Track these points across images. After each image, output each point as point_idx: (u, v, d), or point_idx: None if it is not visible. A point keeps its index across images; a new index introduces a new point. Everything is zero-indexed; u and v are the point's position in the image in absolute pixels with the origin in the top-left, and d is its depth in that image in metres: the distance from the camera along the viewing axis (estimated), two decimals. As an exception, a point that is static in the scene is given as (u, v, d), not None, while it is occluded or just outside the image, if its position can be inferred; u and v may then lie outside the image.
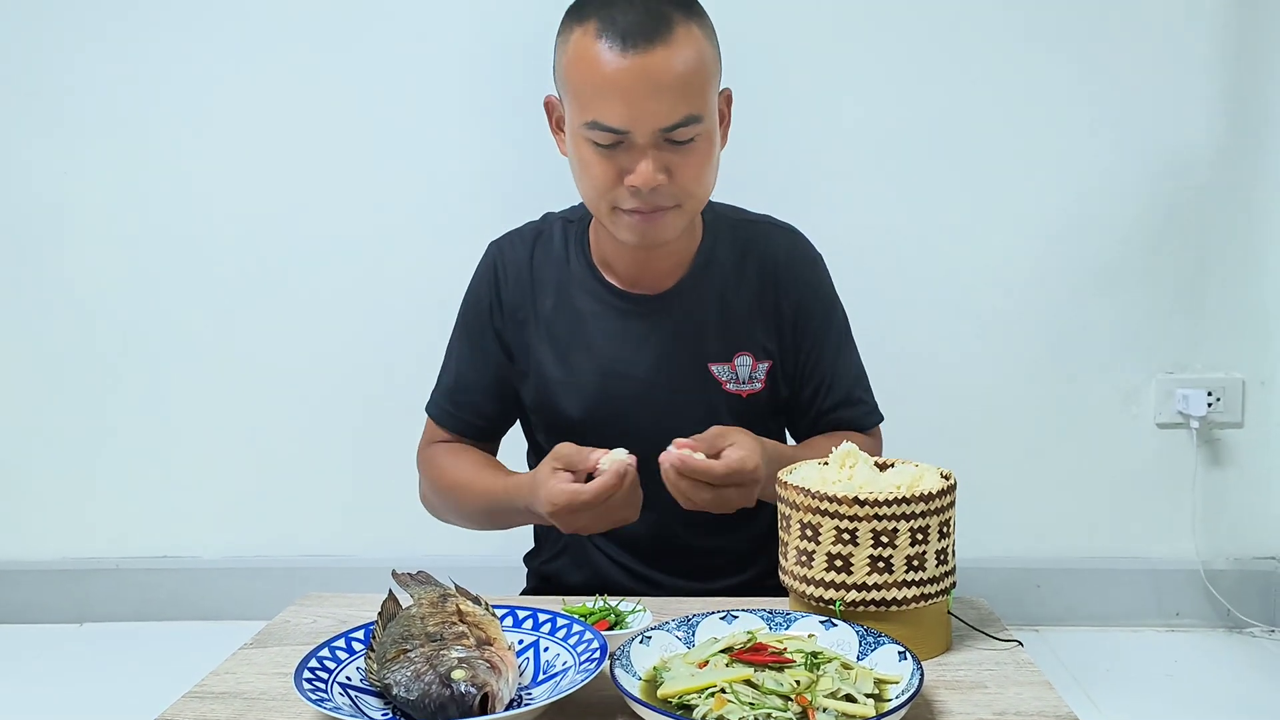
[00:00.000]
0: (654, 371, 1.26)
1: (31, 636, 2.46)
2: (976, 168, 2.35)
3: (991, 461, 2.39)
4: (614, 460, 1.06)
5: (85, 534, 2.54)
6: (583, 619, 0.97)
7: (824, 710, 0.76)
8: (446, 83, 2.38)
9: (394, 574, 1.00)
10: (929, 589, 0.91)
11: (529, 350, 1.30)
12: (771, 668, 0.80)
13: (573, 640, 0.89)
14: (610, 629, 0.95)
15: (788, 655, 0.82)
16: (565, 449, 1.10)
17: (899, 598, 0.90)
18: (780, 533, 0.97)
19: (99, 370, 2.49)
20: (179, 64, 2.41)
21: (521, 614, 0.94)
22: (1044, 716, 0.82)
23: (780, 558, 0.97)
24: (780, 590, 1.00)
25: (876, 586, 0.90)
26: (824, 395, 1.31)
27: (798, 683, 0.78)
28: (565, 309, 1.28)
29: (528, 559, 1.46)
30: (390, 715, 0.81)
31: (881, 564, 0.89)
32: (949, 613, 0.95)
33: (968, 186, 2.35)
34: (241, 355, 2.46)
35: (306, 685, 0.80)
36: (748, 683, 0.79)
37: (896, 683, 0.80)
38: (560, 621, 0.92)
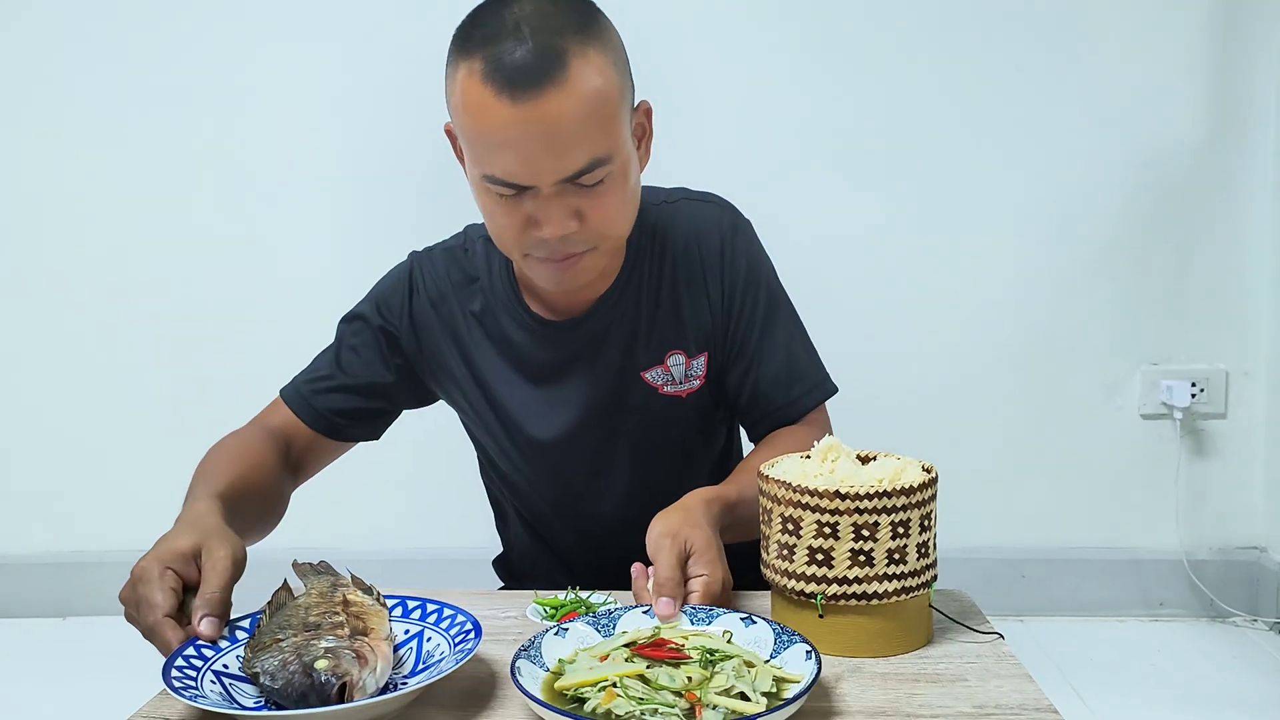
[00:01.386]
0: (591, 395, 1.20)
1: (14, 630, 2.45)
2: (959, 162, 2.35)
3: (976, 453, 2.40)
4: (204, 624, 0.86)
5: (68, 528, 2.53)
6: (552, 610, 0.97)
7: (713, 708, 0.76)
8: (434, 81, 2.37)
9: (294, 564, 0.99)
10: (910, 582, 0.91)
11: (448, 375, 1.24)
12: (668, 663, 0.81)
13: (454, 630, 0.90)
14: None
15: (685, 652, 0.82)
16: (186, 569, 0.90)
17: (880, 591, 0.90)
18: (761, 526, 0.97)
19: (80, 365, 2.49)
20: (156, 62, 2.40)
21: (411, 604, 0.94)
22: (1024, 709, 0.82)
23: (761, 551, 0.97)
24: (763, 585, 1.00)
25: (857, 580, 0.90)
26: (755, 376, 1.21)
27: (689, 679, 0.79)
28: (493, 339, 1.21)
29: (496, 564, 1.43)
30: (262, 703, 0.81)
31: (862, 557, 0.89)
32: (930, 606, 0.95)
33: (951, 180, 2.36)
34: (221, 349, 2.45)
35: (175, 673, 0.80)
36: (640, 678, 0.79)
37: (798, 681, 0.80)
38: (446, 612, 0.92)
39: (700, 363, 1.21)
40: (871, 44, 2.33)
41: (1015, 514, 2.44)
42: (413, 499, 2.51)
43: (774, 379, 1.21)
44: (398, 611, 0.93)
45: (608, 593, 1.02)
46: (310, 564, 1.00)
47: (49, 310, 2.48)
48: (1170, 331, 2.38)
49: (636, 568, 0.99)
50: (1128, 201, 2.35)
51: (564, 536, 1.30)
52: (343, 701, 0.77)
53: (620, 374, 1.20)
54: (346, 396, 1.23)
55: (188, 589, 0.89)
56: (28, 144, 2.44)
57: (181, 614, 0.87)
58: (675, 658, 0.82)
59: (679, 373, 1.20)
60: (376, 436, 1.30)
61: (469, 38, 0.99)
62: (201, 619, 0.86)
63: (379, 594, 0.93)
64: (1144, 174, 2.33)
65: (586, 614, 0.96)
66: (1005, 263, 2.38)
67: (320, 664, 0.78)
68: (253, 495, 1.11)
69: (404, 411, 1.31)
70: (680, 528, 0.98)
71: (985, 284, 2.39)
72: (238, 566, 0.91)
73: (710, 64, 2.29)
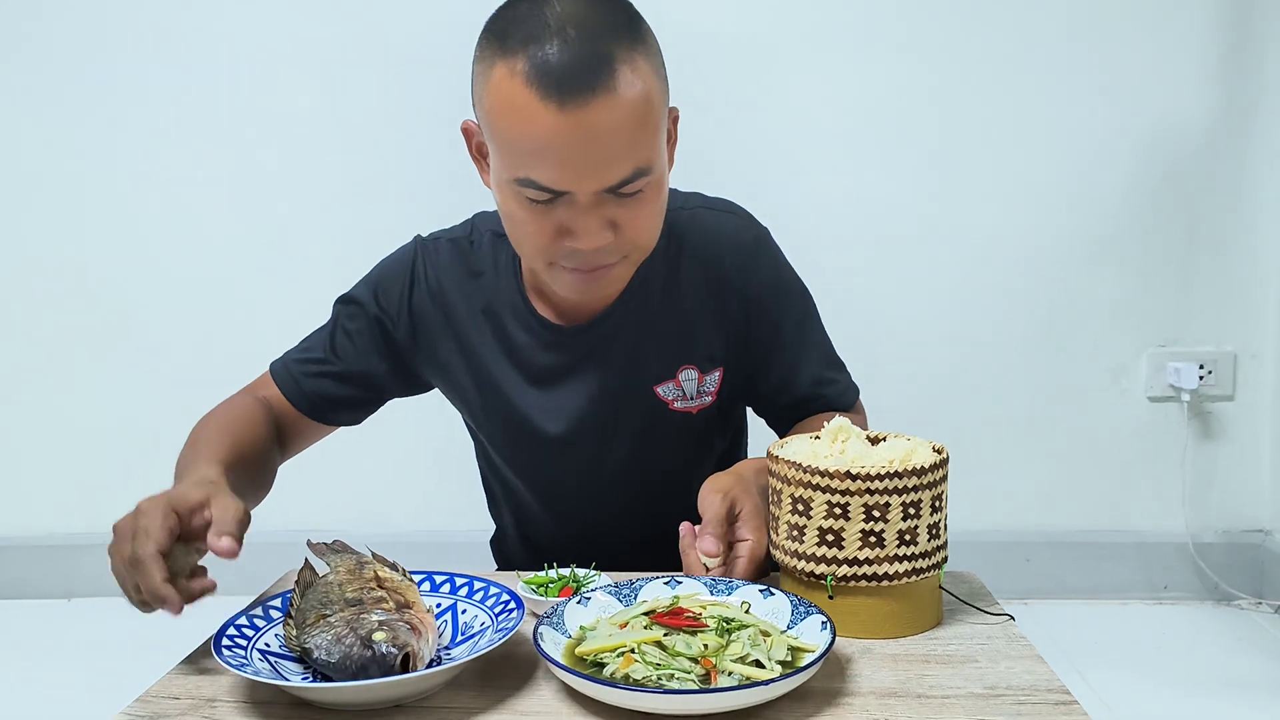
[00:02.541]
0: (593, 403, 1.17)
1: (20, 611, 2.46)
2: (964, 142, 2.34)
3: (982, 435, 2.39)
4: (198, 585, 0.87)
5: (73, 509, 2.53)
6: (541, 588, 0.98)
7: (728, 674, 0.78)
8: (432, 72, 2.36)
9: (309, 544, 1.00)
10: (920, 563, 0.90)
11: (445, 368, 1.21)
12: (685, 631, 0.82)
13: (489, 602, 0.91)
14: (574, 594, 0.96)
15: (703, 620, 0.84)
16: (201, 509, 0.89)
17: (890, 572, 0.89)
18: (771, 507, 0.96)
19: (85, 348, 2.49)
20: (158, 51, 2.39)
21: (439, 579, 0.96)
22: (1035, 689, 0.82)
23: (771, 533, 0.97)
24: (774, 567, 0.99)
25: (868, 561, 0.89)
26: (791, 385, 1.20)
27: (706, 646, 0.80)
28: (497, 337, 1.18)
29: (493, 545, 1.43)
30: (310, 679, 0.82)
31: (873, 538, 0.89)
32: (940, 587, 0.95)
33: (956, 161, 2.35)
34: (225, 332, 2.45)
35: (226, 651, 0.81)
36: (658, 644, 0.81)
37: (813, 651, 0.81)
38: (477, 585, 0.94)
39: (714, 378, 1.18)
40: (875, 22, 2.31)
41: (1020, 497, 2.44)
42: (407, 480, 2.51)
43: (814, 379, 1.21)
44: (425, 587, 0.95)
45: (589, 568, 1.02)
46: (325, 543, 1.00)
47: (53, 294, 2.48)
48: (1178, 313, 2.37)
49: (685, 526, 1.00)
50: (1135, 181, 2.33)
51: (551, 536, 1.28)
52: (405, 672, 0.77)
53: (626, 384, 1.17)
54: (336, 382, 1.21)
55: (182, 540, 0.88)
56: (35, 131, 2.43)
57: (170, 565, 0.86)
58: (692, 626, 0.83)
59: (691, 388, 1.18)
60: (358, 422, 1.28)
61: (507, 35, 0.94)
62: (221, 537, 0.85)
63: (404, 569, 0.93)
64: (1152, 153, 2.32)
65: (577, 590, 0.97)
66: (1011, 244, 2.37)
67: (378, 636, 0.79)
68: (248, 463, 1.10)
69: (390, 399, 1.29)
70: (733, 488, 1.00)
71: (991, 265, 2.37)
72: (247, 518, 0.90)
73: (713, 44, 2.28)
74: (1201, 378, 2.34)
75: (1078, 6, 2.28)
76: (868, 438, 0.98)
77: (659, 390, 1.17)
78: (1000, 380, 2.41)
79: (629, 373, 1.17)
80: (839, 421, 0.98)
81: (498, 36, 0.95)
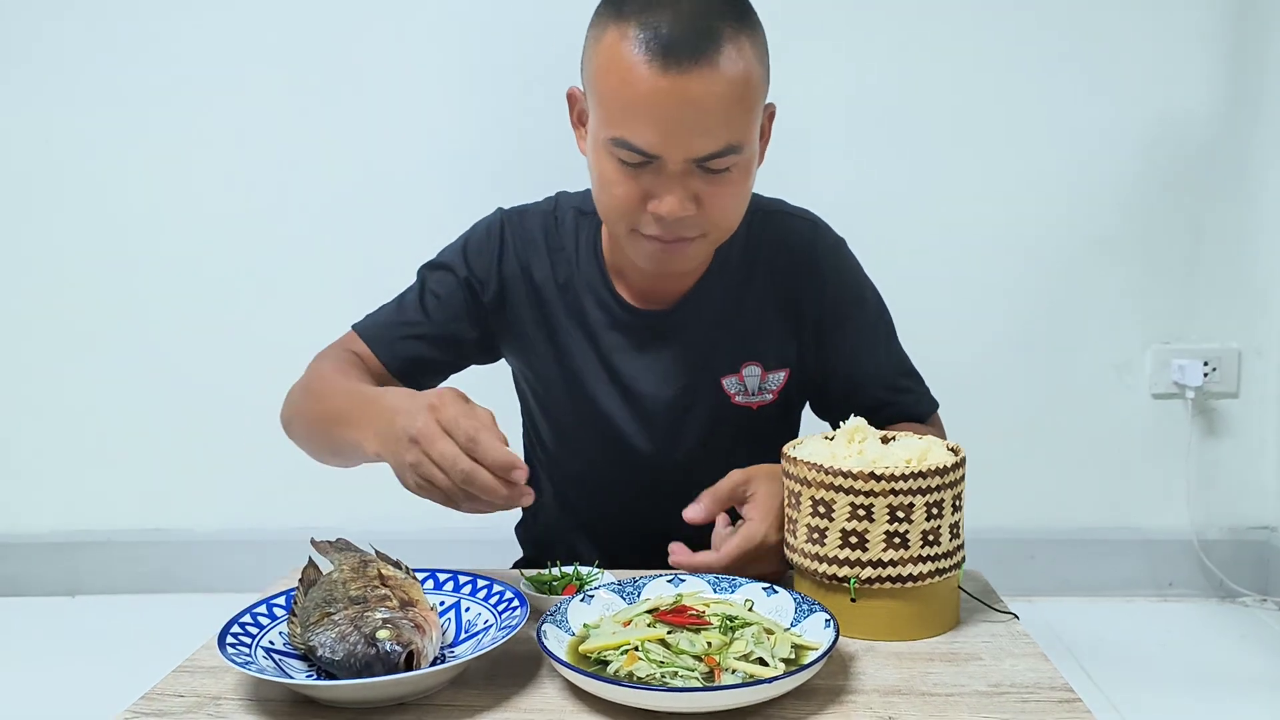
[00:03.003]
0: (660, 387, 1.20)
1: (23, 609, 2.45)
2: (967, 136, 2.33)
3: (986, 432, 2.37)
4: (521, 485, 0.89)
5: (77, 507, 2.52)
6: (545, 585, 0.98)
7: (731, 671, 0.78)
8: (440, 63, 2.35)
9: (313, 541, 1.00)
10: (943, 564, 0.90)
11: (523, 337, 1.24)
12: (689, 629, 0.83)
13: (493, 600, 0.92)
14: (578, 592, 0.95)
15: (706, 618, 0.84)
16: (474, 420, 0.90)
17: (915, 573, 0.89)
18: (788, 510, 0.95)
19: (90, 344, 2.48)
20: (164, 39, 2.37)
21: (442, 576, 0.96)
22: (1040, 688, 0.82)
23: (788, 535, 0.96)
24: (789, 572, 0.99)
25: (892, 563, 0.88)
26: (862, 391, 1.22)
27: (709, 644, 0.81)
28: (572, 313, 1.21)
29: (518, 529, 1.43)
30: (315, 676, 0.82)
31: (897, 539, 0.88)
32: (959, 587, 0.95)
33: (959, 156, 2.34)
34: (230, 328, 2.44)
35: (230, 650, 0.81)
36: (661, 642, 0.81)
37: (816, 649, 0.81)
38: (480, 583, 0.94)
39: (778, 378, 1.21)
40: (876, 14, 2.30)
41: (1025, 494, 2.44)
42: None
43: (888, 387, 1.24)
44: (428, 585, 0.95)
45: (593, 566, 1.02)
46: (329, 541, 1.00)
47: (54, 292, 2.46)
48: (1182, 310, 2.37)
49: (721, 518, 1.03)
50: (1139, 177, 2.33)
51: (600, 511, 1.29)
52: (410, 670, 0.77)
53: (693, 371, 1.20)
54: (426, 344, 1.22)
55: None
56: (30, 116, 2.41)
57: None
58: (696, 624, 0.84)
59: (753, 384, 1.21)
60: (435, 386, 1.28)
61: (624, 3, 1.00)
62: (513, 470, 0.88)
63: (407, 567, 0.93)
64: (1156, 148, 2.31)
65: (580, 587, 0.97)
66: (1015, 239, 2.36)
67: (382, 634, 0.79)
68: None
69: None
70: (754, 474, 1.03)
71: (995, 261, 2.37)
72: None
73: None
74: (1206, 374, 2.34)
75: (1082, 3, 2.27)
76: (880, 438, 0.97)
77: (724, 383, 1.21)
78: (1004, 377, 2.40)
79: (697, 361, 1.20)
80: (855, 421, 0.97)
81: (615, 5, 1.01)
